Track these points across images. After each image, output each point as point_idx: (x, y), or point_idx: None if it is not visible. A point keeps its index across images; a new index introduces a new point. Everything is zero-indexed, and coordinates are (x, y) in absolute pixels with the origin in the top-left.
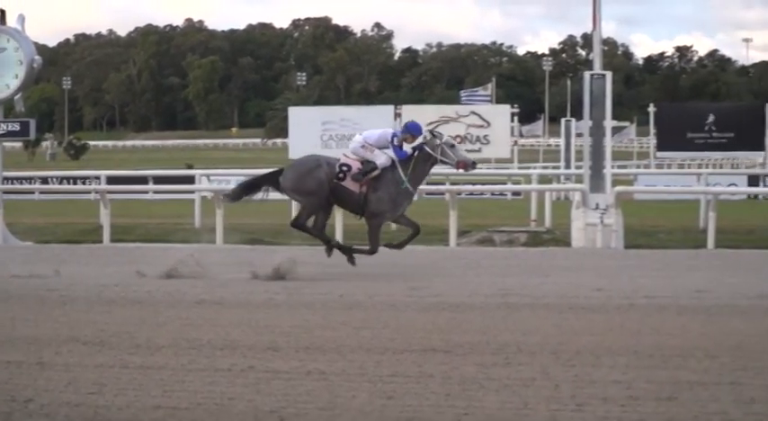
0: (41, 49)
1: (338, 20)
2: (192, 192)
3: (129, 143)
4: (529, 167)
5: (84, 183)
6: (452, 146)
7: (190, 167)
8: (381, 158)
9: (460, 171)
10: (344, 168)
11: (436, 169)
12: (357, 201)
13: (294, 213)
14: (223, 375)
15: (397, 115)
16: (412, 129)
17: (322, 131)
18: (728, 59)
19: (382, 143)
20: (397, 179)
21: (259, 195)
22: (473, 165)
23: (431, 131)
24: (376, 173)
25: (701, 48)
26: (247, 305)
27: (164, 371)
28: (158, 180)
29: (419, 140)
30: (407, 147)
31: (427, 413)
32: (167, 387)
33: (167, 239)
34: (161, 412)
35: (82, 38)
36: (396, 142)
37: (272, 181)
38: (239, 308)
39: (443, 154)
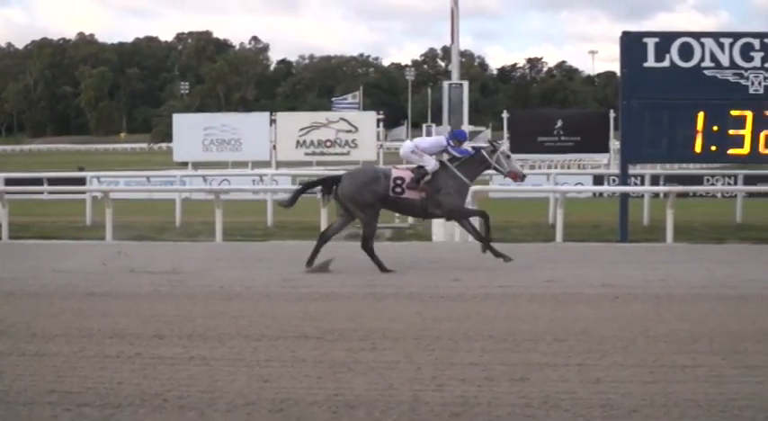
0: None
1: (219, 33)
2: (83, 192)
3: (26, 147)
4: None
5: None
6: (508, 157)
7: (81, 170)
8: (431, 163)
9: (508, 180)
10: (399, 181)
11: None
12: (420, 206)
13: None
14: (112, 361)
15: (273, 121)
16: (458, 135)
17: (204, 136)
18: (576, 70)
19: (436, 148)
20: (451, 174)
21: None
22: (523, 177)
23: (491, 142)
24: (428, 178)
25: (551, 59)
26: (134, 296)
27: (57, 358)
28: (52, 181)
29: (466, 145)
30: (466, 148)
31: (301, 394)
32: (61, 373)
33: (61, 236)
34: (55, 396)
35: None
36: (452, 144)
37: (327, 185)
38: (127, 299)
39: (498, 162)
